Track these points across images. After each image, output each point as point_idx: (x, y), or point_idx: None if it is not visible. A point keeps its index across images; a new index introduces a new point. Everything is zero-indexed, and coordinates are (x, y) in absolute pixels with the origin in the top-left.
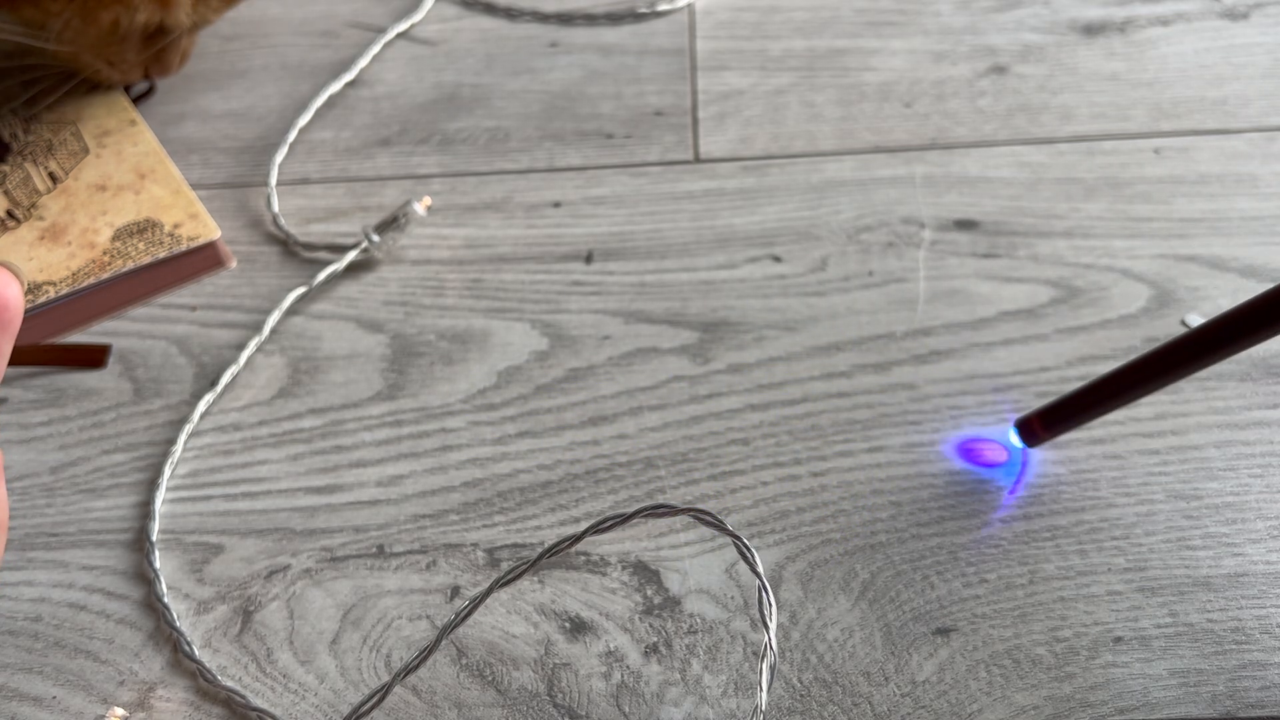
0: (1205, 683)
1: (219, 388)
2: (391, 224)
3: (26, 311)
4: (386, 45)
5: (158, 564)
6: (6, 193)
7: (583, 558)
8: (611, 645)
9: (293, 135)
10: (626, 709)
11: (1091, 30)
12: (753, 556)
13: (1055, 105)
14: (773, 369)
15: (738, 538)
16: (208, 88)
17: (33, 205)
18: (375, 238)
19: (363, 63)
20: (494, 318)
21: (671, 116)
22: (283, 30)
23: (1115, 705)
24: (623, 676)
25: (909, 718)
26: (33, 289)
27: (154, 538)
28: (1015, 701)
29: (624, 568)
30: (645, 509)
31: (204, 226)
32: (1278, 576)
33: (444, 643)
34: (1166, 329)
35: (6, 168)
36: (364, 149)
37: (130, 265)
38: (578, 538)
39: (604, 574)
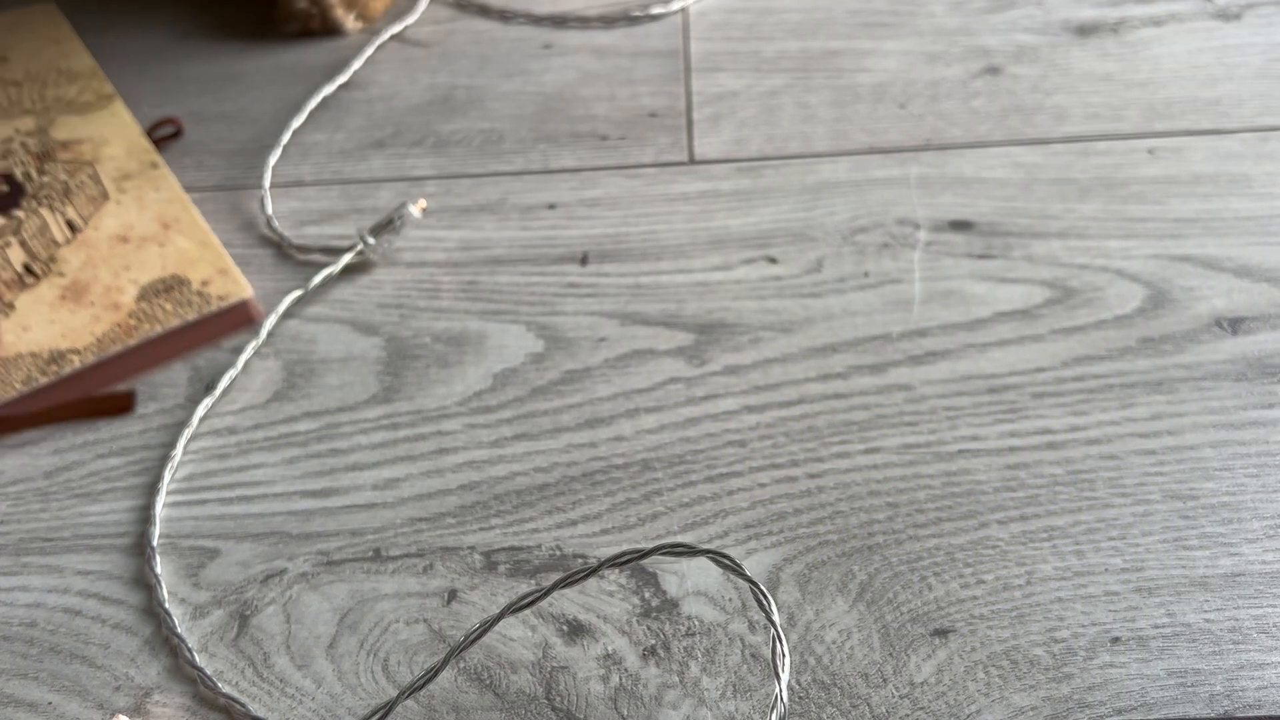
0: (1203, 683)
1: (217, 392)
2: (386, 226)
3: (49, 383)
4: (380, 47)
5: (159, 569)
6: (23, 243)
7: (580, 561)
8: (609, 648)
9: (286, 137)
10: (625, 712)
11: (1085, 31)
12: (769, 604)
13: (1049, 106)
14: (769, 370)
15: (754, 584)
16: (201, 89)
17: (51, 258)
18: (370, 240)
19: (356, 64)
20: (489, 320)
21: (666, 118)
22: (277, 31)
23: (1113, 706)
24: (621, 679)
25: (907, 719)
26: (56, 358)
27: (155, 543)
28: (1013, 702)
29: (621, 570)
30: (664, 547)
31: (234, 284)
32: (1274, 576)
33: (441, 647)
34: (1162, 329)
35: (22, 214)
36: (358, 151)
37: (159, 329)
38: (593, 570)
39: (601, 576)
